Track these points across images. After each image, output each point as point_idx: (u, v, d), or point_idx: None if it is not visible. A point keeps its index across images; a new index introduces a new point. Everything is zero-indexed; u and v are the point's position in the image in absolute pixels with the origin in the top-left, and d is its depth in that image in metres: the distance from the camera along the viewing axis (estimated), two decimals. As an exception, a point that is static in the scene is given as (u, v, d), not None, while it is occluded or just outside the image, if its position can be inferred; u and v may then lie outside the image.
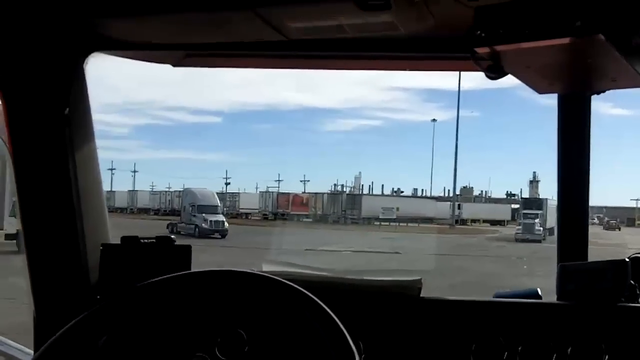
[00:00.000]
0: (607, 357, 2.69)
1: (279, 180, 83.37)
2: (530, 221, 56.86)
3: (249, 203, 73.83)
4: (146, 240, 2.69)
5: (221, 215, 50.02)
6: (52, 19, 2.63)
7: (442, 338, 2.82)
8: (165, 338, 2.48)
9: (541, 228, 55.84)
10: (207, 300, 2.48)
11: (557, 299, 2.88)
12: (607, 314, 2.76)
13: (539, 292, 2.96)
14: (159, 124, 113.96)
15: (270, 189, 78.03)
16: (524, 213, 59.81)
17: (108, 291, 2.62)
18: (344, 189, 79.29)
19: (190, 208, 50.61)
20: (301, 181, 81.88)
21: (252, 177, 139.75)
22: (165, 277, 2.39)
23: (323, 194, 71.75)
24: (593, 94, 2.87)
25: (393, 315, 2.87)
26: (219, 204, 53.15)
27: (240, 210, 73.74)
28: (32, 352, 2.77)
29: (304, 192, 76.37)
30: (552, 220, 58.97)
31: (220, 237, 44.39)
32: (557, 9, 2.11)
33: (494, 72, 2.37)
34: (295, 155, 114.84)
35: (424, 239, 51.47)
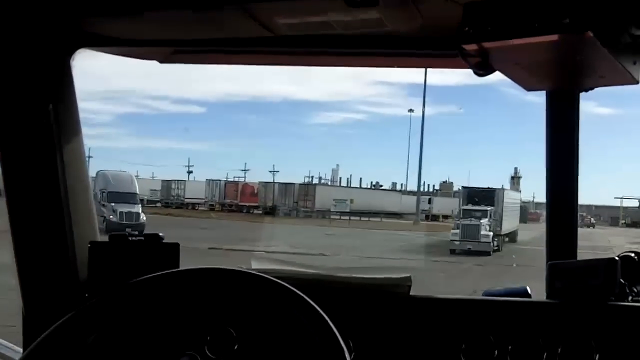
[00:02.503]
0: (597, 355, 2.77)
1: (245, 170, 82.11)
2: (474, 222, 42.66)
3: (196, 192, 71.67)
4: (134, 238, 2.77)
5: (137, 206, 44.02)
6: (39, 15, 2.70)
7: (432, 336, 2.90)
8: (154, 336, 2.57)
9: (490, 233, 42.73)
10: (197, 298, 2.56)
11: (547, 297, 2.97)
12: (597, 312, 2.83)
13: (529, 291, 3.04)
14: (142, 113, 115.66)
15: (237, 179, 76.28)
16: (464, 209, 45.89)
17: (96, 289, 2.67)
18: (321, 181, 78.28)
19: (100, 195, 42.40)
20: (270, 172, 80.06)
21: (228, 167, 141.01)
22: (154, 274, 2.46)
23: (274, 183, 69.70)
24: (581, 91, 2.96)
25: (383, 314, 2.95)
26: (137, 192, 46.51)
27: (186, 200, 72.37)
28: (20, 350, 2.84)
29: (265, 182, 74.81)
30: (511, 222, 49.70)
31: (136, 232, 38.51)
32: (545, 6, 2.20)
33: (482, 69, 2.45)
34: (278, 148, 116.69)
35: (372, 236, 46.50)
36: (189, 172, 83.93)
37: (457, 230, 43.50)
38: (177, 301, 2.56)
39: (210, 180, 74.22)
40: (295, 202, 67.07)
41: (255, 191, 70.93)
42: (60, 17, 2.72)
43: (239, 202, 70.74)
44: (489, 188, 49.78)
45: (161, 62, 3.18)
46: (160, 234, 2.76)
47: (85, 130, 2.99)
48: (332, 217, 62.21)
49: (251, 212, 68.29)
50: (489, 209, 45.55)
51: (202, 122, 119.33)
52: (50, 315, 2.49)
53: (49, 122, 2.82)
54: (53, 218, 2.85)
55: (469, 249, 39.99)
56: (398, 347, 2.91)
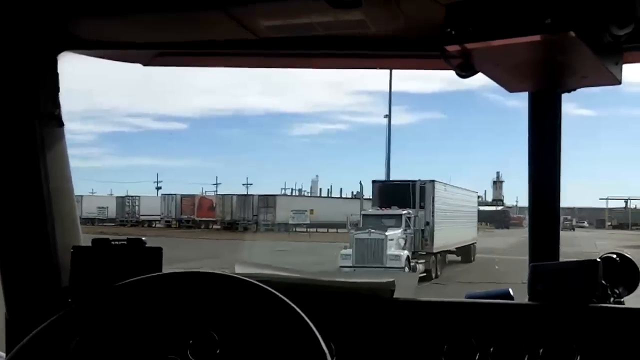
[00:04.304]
0: (578, 357, 2.81)
1: (216, 184, 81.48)
2: (374, 236, 30.22)
3: (153, 208, 70.16)
4: (117, 242, 2.81)
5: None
6: (22, 17, 2.75)
7: (414, 339, 2.95)
8: (137, 340, 2.62)
9: (404, 252, 30.40)
10: (179, 302, 2.61)
11: (529, 300, 3.02)
12: (578, 314, 2.88)
13: (511, 293, 3.09)
14: (124, 131, 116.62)
15: (207, 194, 74.97)
16: (365, 215, 33.63)
17: (79, 293, 2.72)
18: (301, 193, 76.76)
19: None
20: (243, 184, 79.51)
21: (207, 182, 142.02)
22: (137, 278, 2.50)
23: (232, 195, 67.89)
24: (564, 91, 3.01)
25: (365, 317, 3.00)
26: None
27: (141, 217, 71.35)
28: (3, 354, 2.86)
29: (216, 195, 73.21)
30: (463, 233, 36.98)
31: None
32: (527, 6, 2.27)
33: (465, 71, 2.53)
34: (259, 161, 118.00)
35: (329, 252, 36.11)
36: (158, 188, 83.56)
37: (349, 250, 30.61)
38: (159, 305, 2.59)
39: (165, 195, 73.18)
40: (254, 215, 65.19)
41: (213, 205, 69.74)
42: (44, 20, 2.76)
43: (196, 217, 69.63)
44: (408, 181, 34.90)
45: (145, 64, 3.24)
46: (143, 238, 2.82)
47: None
48: (297, 230, 59.24)
49: (209, 227, 67.19)
50: (403, 212, 32.08)
51: (183, 139, 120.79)
52: (33, 319, 2.52)
53: (33, 126, 2.86)
54: (36, 222, 2.89)
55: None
56: (380, 349, 2.96)
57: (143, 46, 3.02)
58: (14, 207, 2.90)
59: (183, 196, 71.58)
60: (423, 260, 31.17)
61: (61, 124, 3.02)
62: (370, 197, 37.53)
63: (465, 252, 37.43)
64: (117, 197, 75.02)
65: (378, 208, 34.14)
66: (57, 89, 3.00)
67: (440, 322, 2.98)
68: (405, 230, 31.81)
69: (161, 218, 70.70)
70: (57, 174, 2.95)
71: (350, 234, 32.79)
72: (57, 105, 3.00)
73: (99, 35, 2.91)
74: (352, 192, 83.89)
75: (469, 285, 26.94)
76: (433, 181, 34.97)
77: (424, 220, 32.96)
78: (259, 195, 67.36)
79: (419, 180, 34.68)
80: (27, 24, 2.79)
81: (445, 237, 34.11)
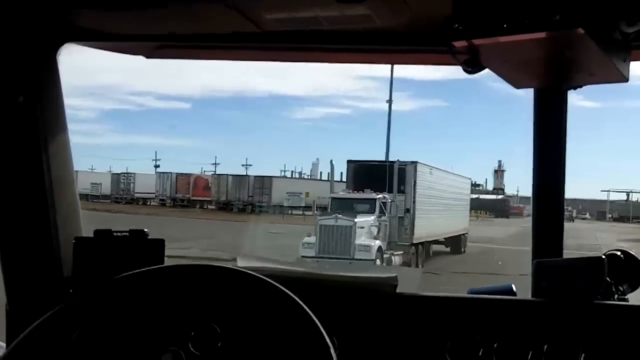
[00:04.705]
0: (583, 354, 2.82)
1: (215, 164, 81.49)
2: (342, 222, 27.48)
3: (147, 186, 69.89)
4: (119, 234, 2.82)
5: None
6: (25, 9, 2.74)
7: (418, 334, 2.95)
8: (138, 332, 2.62)
9: (375, 243, 27.60)
10: (181, 294, 2.62)
11: (532, 296, 3.02)
12: (583, 311, 2.89)
13: (514, 289, 3.09)
14: (126, 109, 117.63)
15: (206, 173, 74.68)
16: (334, 199, 30.77)
17: (81, 285, 2.74)
18: (301, 176, 76.47)
19: None
20: (243, 165, 79.66)
21: (207, 162, 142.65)
22: (139, 270, 2.51)
23: (227, 175, 67.50)
24: (570, 88, 3.01)
25: (368, 311, 3.00)
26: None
27: (136, 195, 71.20)
28: (4, 344, 2.87)
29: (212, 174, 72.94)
30: (452, 222, 33.86)
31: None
32: (536, 2, 2.24)
33: (472, 66, 2.49)
34: (261, 142, 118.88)
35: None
36: (156, 166, 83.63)
37: (313, 238, 27.90)
38: (161, 297, 2.60)
39: (161, 173, 73.01)
40: (250, 196, 64.49)
41: (209, 185, 69.44)
42: (46, 11, 2.76)
43: (191, 196, 69.47)
44: (387, 162, 32.34)
45: (147, 57, 3.22)
46: (146, 230, 2.82)
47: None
48: (293, 212, 58.14)
49: (205, 207, 67.04)
50: (378, 197, 29.26)
51: (184, 118, 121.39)
52: (34, 310, 2.52)
53: (34, 117, 2.86)
54: (38, 213, 2.90)
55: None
56: (383, 344, 2.96)
57: (146, 38, 3.02)
58: (17, 198, 2.90)
59: (178, 175, 71.23)
60: (401, 252, 29.04)
61: (63, 116, 3.02)
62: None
63: (455, 243, 35.12)
64: (112, 173, 74.91)
65: (350, 191, 31.69)
66: (59, 81, 3.01)
67: (444, 318, 2.98)
68: (380, 217, 29.23)
69: (156, 196, 70.52)
70: (59, 165, 2.96)
71: (317, 217, 29.99)
72: (59, 97, 3.01)
73: (102, 27, 2.90)
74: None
75: (462, 275, 25.53)
76: (415, 162, 32.15)
77: (404, 206, 30.31)
78: (255, 176, 66.89)
79: (398, 160, 31.97)
80: (28, 16, 2.78)
81: (429, 226, 31.57)
